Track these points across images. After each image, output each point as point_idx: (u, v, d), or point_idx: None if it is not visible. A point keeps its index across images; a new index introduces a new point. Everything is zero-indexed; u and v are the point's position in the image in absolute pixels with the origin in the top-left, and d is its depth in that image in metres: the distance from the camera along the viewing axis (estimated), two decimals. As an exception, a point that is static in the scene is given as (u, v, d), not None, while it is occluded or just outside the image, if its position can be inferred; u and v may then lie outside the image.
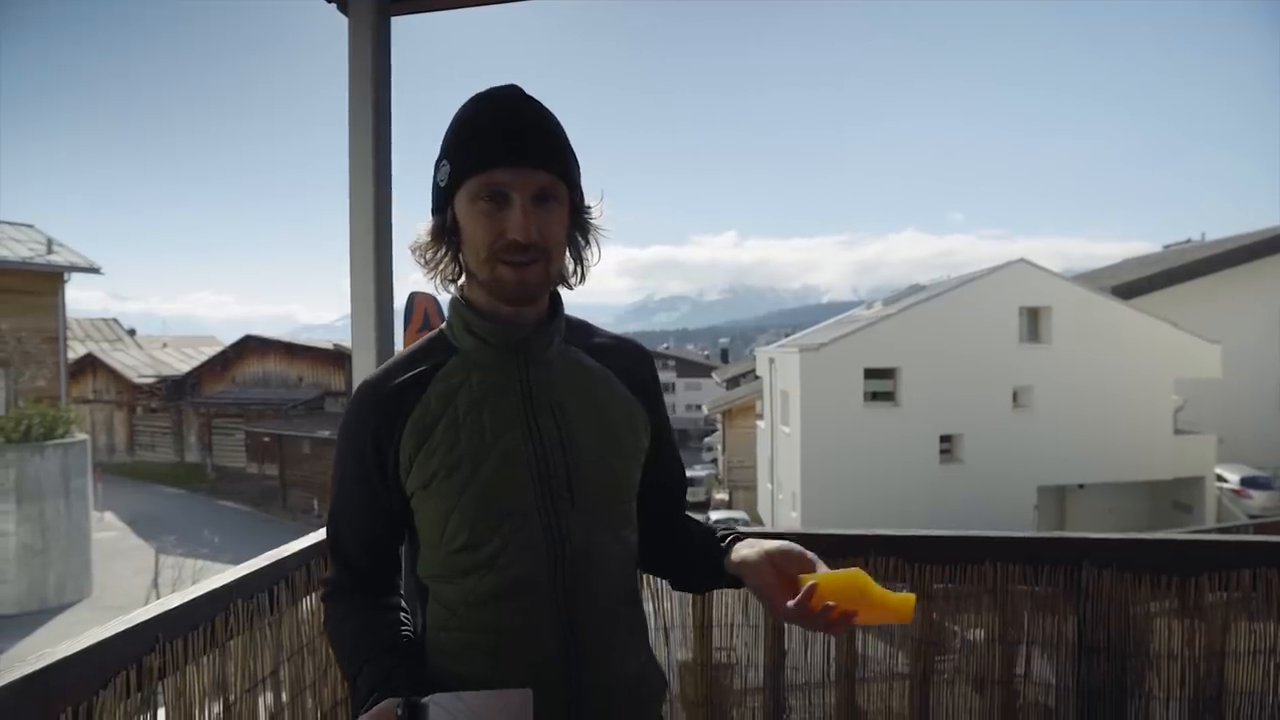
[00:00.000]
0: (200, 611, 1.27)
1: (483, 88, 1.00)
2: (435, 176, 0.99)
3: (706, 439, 39.80)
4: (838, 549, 1.76)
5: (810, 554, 0.98)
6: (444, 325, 1.06)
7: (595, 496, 1.00)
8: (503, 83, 1.00)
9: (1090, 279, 23.17)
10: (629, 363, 1.09)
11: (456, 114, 0.99)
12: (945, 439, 17.87)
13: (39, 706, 0.99)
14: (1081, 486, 18.46)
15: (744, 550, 1.02)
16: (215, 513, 20.23)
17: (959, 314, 17.84)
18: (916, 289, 22.10)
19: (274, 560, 1.50)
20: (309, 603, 1.59)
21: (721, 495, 26.62)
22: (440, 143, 1.00)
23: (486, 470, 0.95)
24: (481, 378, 1.00)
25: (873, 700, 1.78)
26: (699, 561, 1.09)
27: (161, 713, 1.18)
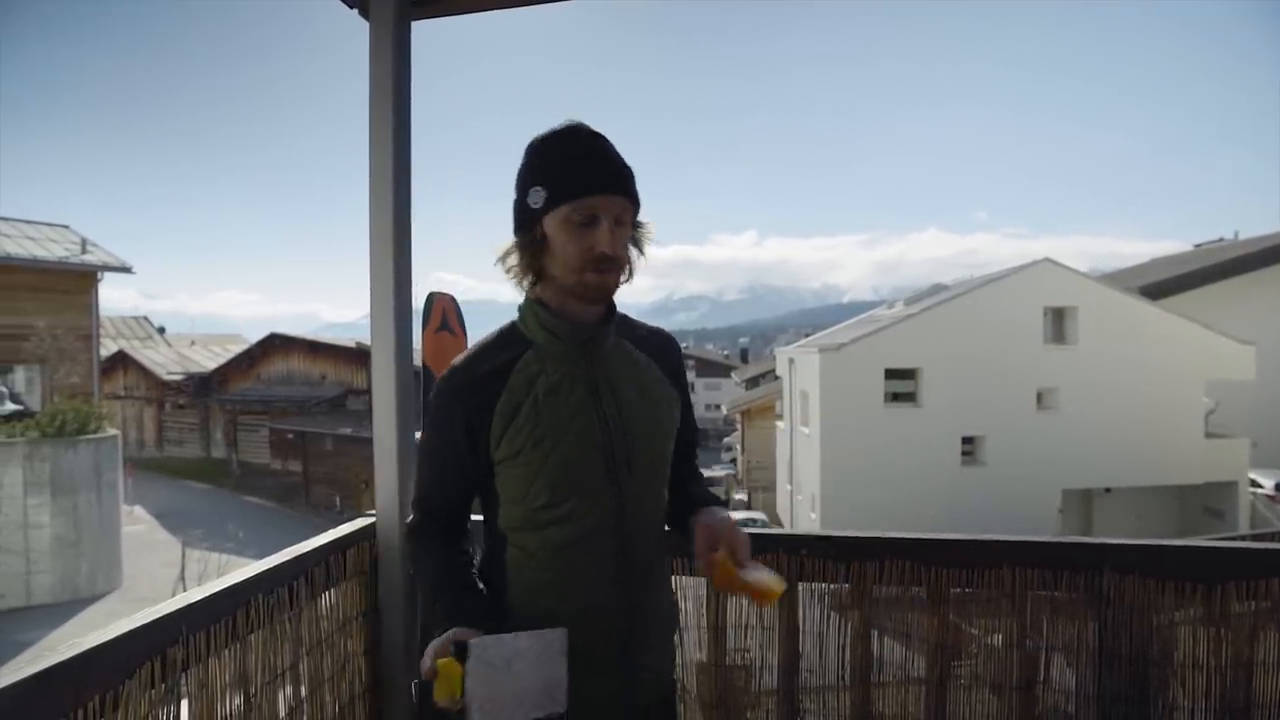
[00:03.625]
0: (222, 605, 1.30)
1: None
2: (527, 198, 1.18)
3: (725, 439, 39.65)
4: (854, 551, 1.76)
5: (736, 543, 1.17)
6: (516, 321, 1.26)
7: (647, 467, 1.24)
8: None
9: (1117, 279, 22.70)
10: (665, 351, 1.34)
11: (542, 145, 1.19)
12: (967, 441, 17.61)
13: (68, 694, 1.02)
14: (1108, 490, 18.08)
15: (702, 517, 1.25)
16: (240, 508, 20.59)
17: (982, 314, 17.56)
18: (939, 289, 21.79)
19: (294, 556, 1.53)
20: (328, 598, 1.62)
21: (740, 496, 26.48)
22: (523, 165, 1.20)
23: (564, 446, 1.18)
24: (555, 367, 1.21)
25: (888, 704, 1.76)
26: (684, 516, 1.32)
27: (184, 704, 1.20)
